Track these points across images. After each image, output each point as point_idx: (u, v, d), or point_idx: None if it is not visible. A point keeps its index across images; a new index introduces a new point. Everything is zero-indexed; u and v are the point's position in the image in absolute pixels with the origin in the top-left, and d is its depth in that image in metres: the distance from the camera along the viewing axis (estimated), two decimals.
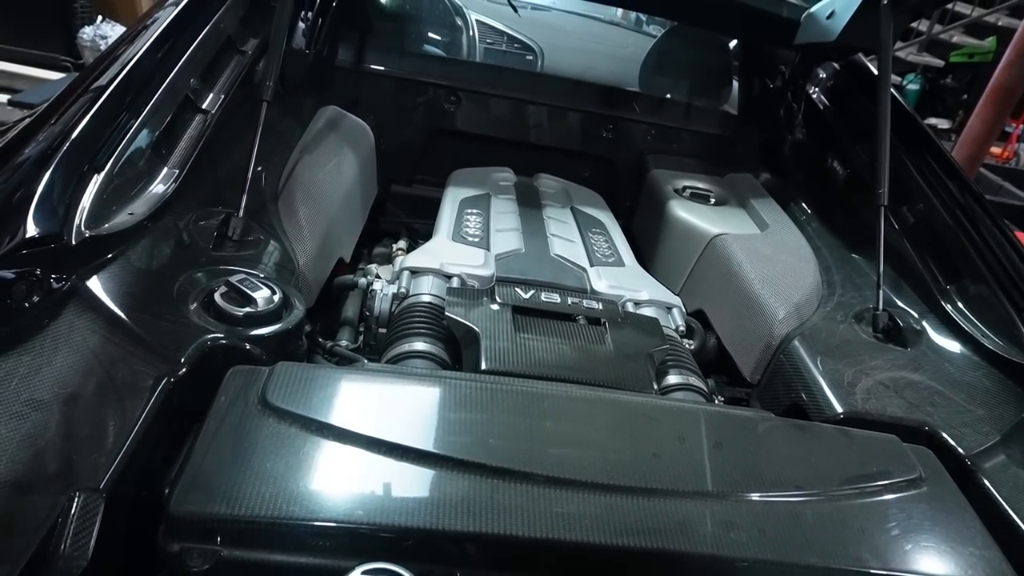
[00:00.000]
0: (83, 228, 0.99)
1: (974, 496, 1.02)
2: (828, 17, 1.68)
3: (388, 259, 1.72)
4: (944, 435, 1.13)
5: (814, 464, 1.01)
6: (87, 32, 4.58)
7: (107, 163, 1.07)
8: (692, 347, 1.47)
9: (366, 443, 0.85)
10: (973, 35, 7.88)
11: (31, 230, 0.91)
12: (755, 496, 0.91)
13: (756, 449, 1.01)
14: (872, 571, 0.85)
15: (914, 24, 7.94)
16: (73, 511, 0.72)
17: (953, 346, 1.34)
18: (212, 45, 1.40)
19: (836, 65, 1.95)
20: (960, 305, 1.40)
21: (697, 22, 2.19)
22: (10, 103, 4.04)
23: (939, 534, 0.92)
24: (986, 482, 1.05)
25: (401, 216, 2.13)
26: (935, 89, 8.48)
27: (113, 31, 4.61)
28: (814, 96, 1.95)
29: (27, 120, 1.15)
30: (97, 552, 0.71)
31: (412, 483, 0.83)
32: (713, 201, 1.90)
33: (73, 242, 0.97)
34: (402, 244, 1.75)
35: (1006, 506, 1.01)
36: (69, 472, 0.75)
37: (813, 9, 1.76)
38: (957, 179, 1.54)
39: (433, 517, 0.79)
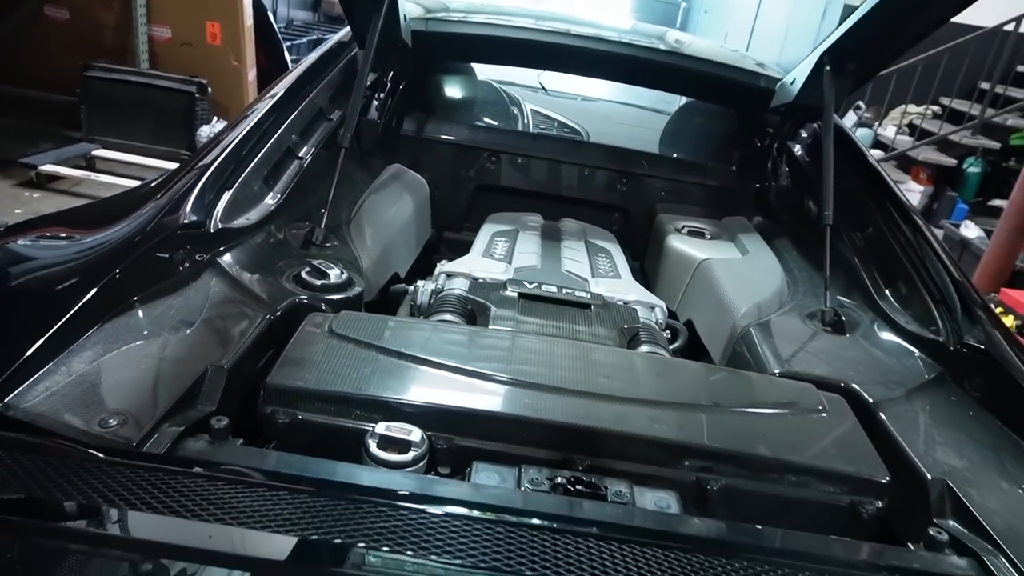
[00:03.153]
0: (218, 223, 1.45)
1: (876, 433, 1.29)
2: (791, 84, 2.07)
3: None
4: (858, 388, 1.40)
5: (734, 392, 1.32)
6: (204, 130, 5.41)
7: (234, 185, 1.55)
8: (675, 346, 1.79)
9: (397, 355, 1.24)
10: None
11: (187, 219, 1.38)
12: (678, 404, 1.23)
13: (689, 379, 1.33)
14: (762, 455, 1.15)
15: (966, 108, 8.18)
16: (208, 375, 1.12)
17: (883, 332, 1.62)
18: (308, 114, 1.91)
19: (816, 126, 2.31)
20: (893, 302, 1.69)
21: (694, 94, 2.63)
22: None
23: (826, 440, 1.21)
24: (884, 419, 1.32)
25: (451, 257, 2.56)
26: (997, 172, 8.54)
27: None
28: (798, 152, 2.31)
29: (186, 159, 1.67)
30: (221, 402, 1.11)
31: (426, 378, 1.20)
32: (708, 237, 2.25)
33: (211, 231, 1.43)
34: (443, 261, 2.18)
35: (898, 436, 1.27)
36: (205, 356, 1.16)
37: (784, 78, 2.16)
38: (901, 209, 1.85)
39: (437, 398, 1.16)
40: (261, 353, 1.27)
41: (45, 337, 1.05)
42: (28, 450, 0.83)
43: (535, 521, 0.82)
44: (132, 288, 1.25)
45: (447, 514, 0.77)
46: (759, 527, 1.00)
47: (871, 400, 1.37)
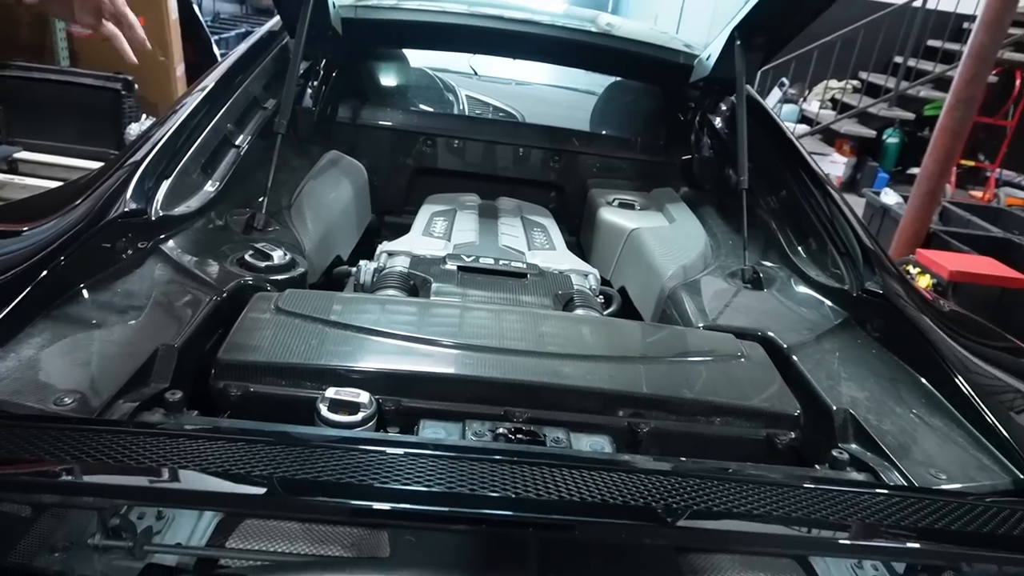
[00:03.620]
0: (159, 211, 1.48)
1: (789, 374, 1.42)
2: (707, 59, 2.20)
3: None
4: (773, 335, 1.53)
5: (661, 344, 1.43)
6: (133, 128, 5.28)
7: (172, 174, 1.58)
8: (609, 311, 1.89)
9: (343, 327, 1.30)
10: (941, 89, 8.45)
11: (127, 207, 1.40)
12: (609, 357, 1.33)
13: (619, 335, 1.44)
14: (687, 398, 1.26)
15: (883, 82, 8.59)
16: (159, 354, 1.16)
17: (797, 285, 1.76)
18: (243, 103, 1.93)
19: (733, 99, 2.45)
20: (805, 257, 1.83)
21: (619, 72, 2.75)
22: None
23: (744, 382, 1.32)
24: (796, 360, 1.45)
25: (393, 239, 2.61)
26: (914, 141, 9.00)
27: None
28: (718, 124, 2.43)
29: (121, 152, 1.68)
30: (173, 381, 1.15)
31: (371, 346, 1.27)
32: (638, 208, 2.37)
33: (153, 218, 1.45)
34: (384, 242, 2.23)
35: (808, 375, 1.40)
36: (155, 337, 1.20)
37: (701, 54, 2.29)
38: (810, 173, 1.99)
39: (383, 363, 1.22)
40: (210, 333, 1.32)
41: None
42: None
43: (496, 457, 0.89)
44: (77, 276, 1.27)
45: (405, 453, 0.84)
46: (684, 459, 1.11)
47: (785, 345, 1.49)
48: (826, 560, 1.09)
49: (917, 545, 0.82)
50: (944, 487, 1.08)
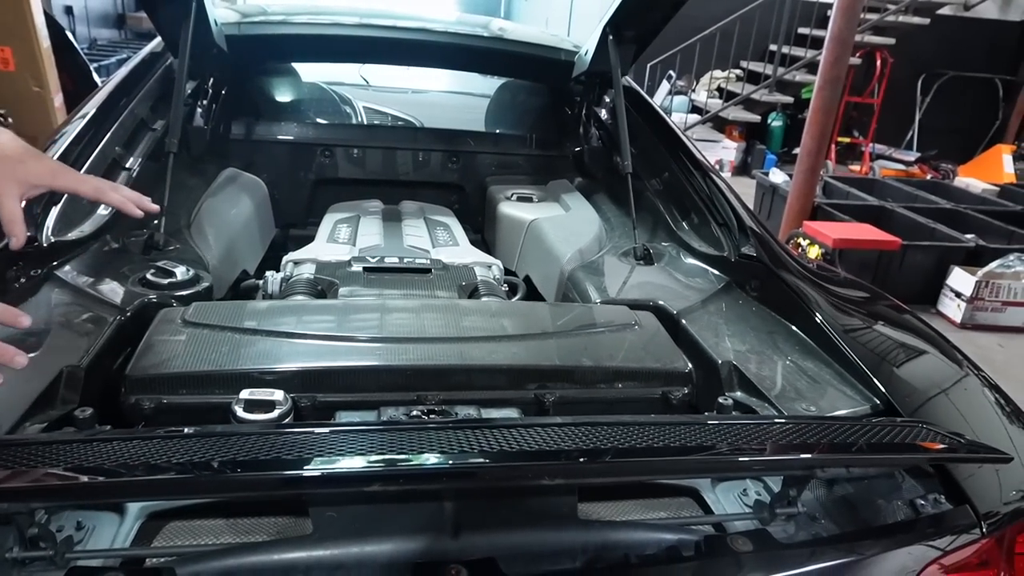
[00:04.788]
0: (50, 236, 1.46)
1: (679, 336, 1.54)
2: (585, 55, 2.33)
3: None
4: (664, 304, 1.65)
5: (560, 321, 1.52)
6: None
7: (61, 199, 1.55)
8: (516, 298, 1.98)
9: (252, 332, 1.33)
10: (813, 73, 9.05)
11: None
12: (512, 336, 1.41)
13: (520, 315, 1.52)
14: (587, 366, 1.36)
15: (761, 70, 9.12)
16: (64, 376, 1.16)
17: (684, 257, 1.90)
18: (130, 125, 1.91)
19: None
20: (689, 231, 1.98)
21: (505, 73, 2.87)
22: None
23: (638, 347, 1.43)
24: (685, 324, 1.58)
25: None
26: (796, 123, 9.59)
27: None
28: (604, 116, 2.57)
29: None
30: (82, 401, 1.15)
31: (282, 347, 1.30)
32: (536, 200, 2.48)
33: (44, 245, 1.44)
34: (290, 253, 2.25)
35: (696, 335, 1.53)
36: (59, 360, 1.19)
37: (580, 51, 2.42)
38: (688, 154, 2.14)
39: (295, 362, 1.26)
40: (117, 353, 1.31)
41: None
42: None
43: (410, 428, 0.94)
44: None
45: (331, 431, 0.89)
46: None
47: (675, 312, 1.62)
48: (715, 492, 1.21)
49: (784, 457, 0.94)
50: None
